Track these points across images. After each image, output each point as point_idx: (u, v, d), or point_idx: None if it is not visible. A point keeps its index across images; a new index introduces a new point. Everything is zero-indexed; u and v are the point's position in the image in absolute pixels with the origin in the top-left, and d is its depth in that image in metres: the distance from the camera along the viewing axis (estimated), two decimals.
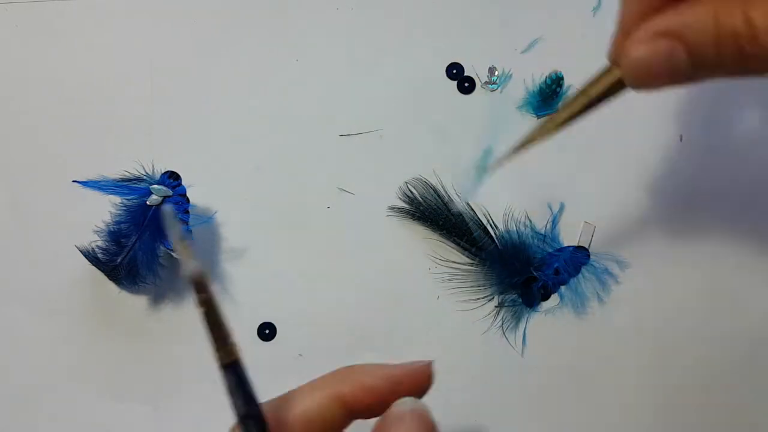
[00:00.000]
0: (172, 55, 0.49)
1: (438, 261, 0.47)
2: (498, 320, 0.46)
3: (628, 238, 0.46)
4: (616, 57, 0.32)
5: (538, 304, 0.46)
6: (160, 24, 0.49)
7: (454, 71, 0.49)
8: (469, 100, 0.49)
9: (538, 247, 0.46)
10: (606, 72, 0.33)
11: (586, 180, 0.47)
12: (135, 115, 0.48)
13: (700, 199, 0.47)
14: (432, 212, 0.46)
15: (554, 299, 0.46)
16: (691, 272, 0.46)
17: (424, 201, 0.47)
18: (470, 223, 0.46)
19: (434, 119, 0.48)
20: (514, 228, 0.46)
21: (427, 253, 0.47)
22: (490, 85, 0.49)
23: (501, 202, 0.47)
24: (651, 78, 0.30)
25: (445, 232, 0.46)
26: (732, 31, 0.28)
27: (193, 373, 0.46)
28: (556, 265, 0.46)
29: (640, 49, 0.30)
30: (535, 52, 0.49)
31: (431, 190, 0.47)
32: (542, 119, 0.41)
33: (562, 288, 0.46)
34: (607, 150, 0.47)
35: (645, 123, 0.47)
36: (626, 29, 0.31)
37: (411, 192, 0.47)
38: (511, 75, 0.49)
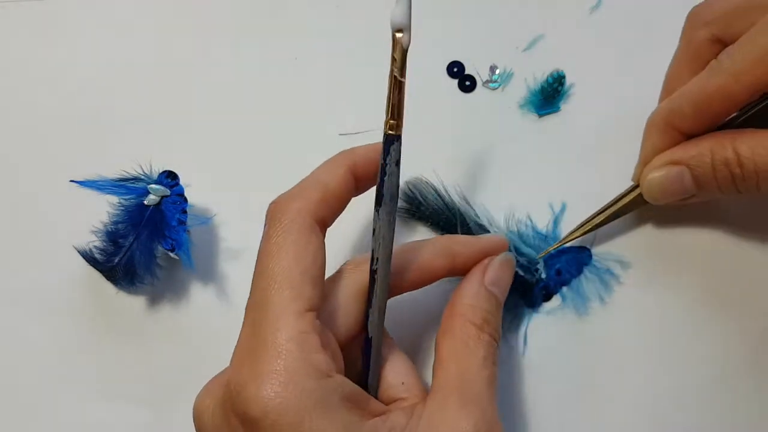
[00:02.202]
0: (172, 55, 0.49)
1: None
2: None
3: (630, 238, 0.46)
4: (638, 179, 0.42)
5: (539, 304, 0.45)
6: (160, 24, 0.49)
7: (455, 70, 0.48)
8: (470, 98, 0.48)
9: (540, 247, 0.45)
10: (630, 190, 0.43)
11: (588, 180, 0.47)
12: (134, 115, 0.48)
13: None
14: (432, 212, 0.46)
15: (556, 300, 0.46)
16: (694, 272, 0.46)
17: (424, 201, 0.46)
18: (471, 224, 0.46)
19: (434, 118, 0.48)
20: (515, 228, 0.46)
21: None
22: (491, 84, 0.48)
23: (502, 202, 0.47)
24: (664, 195, 0.40)
25: (445, 232, 0.46)
26: (724, 160, 0.37)
27: (191, 374, 0.46)
28: (557, 265, 0.45)
29: (656, 173, 0.40)
30: (537, 50, 0.48)
31: (431, 190, 0.46)
32: (577, 226, 0.45)
33: (564, 289, 0.45)
34: (608, 149, 0.47)
35: (645, 122, 0.47)
36: (646, 159, 0.41)
37: (411, 192, 0.47)
38: (512, 73, 0.48)
